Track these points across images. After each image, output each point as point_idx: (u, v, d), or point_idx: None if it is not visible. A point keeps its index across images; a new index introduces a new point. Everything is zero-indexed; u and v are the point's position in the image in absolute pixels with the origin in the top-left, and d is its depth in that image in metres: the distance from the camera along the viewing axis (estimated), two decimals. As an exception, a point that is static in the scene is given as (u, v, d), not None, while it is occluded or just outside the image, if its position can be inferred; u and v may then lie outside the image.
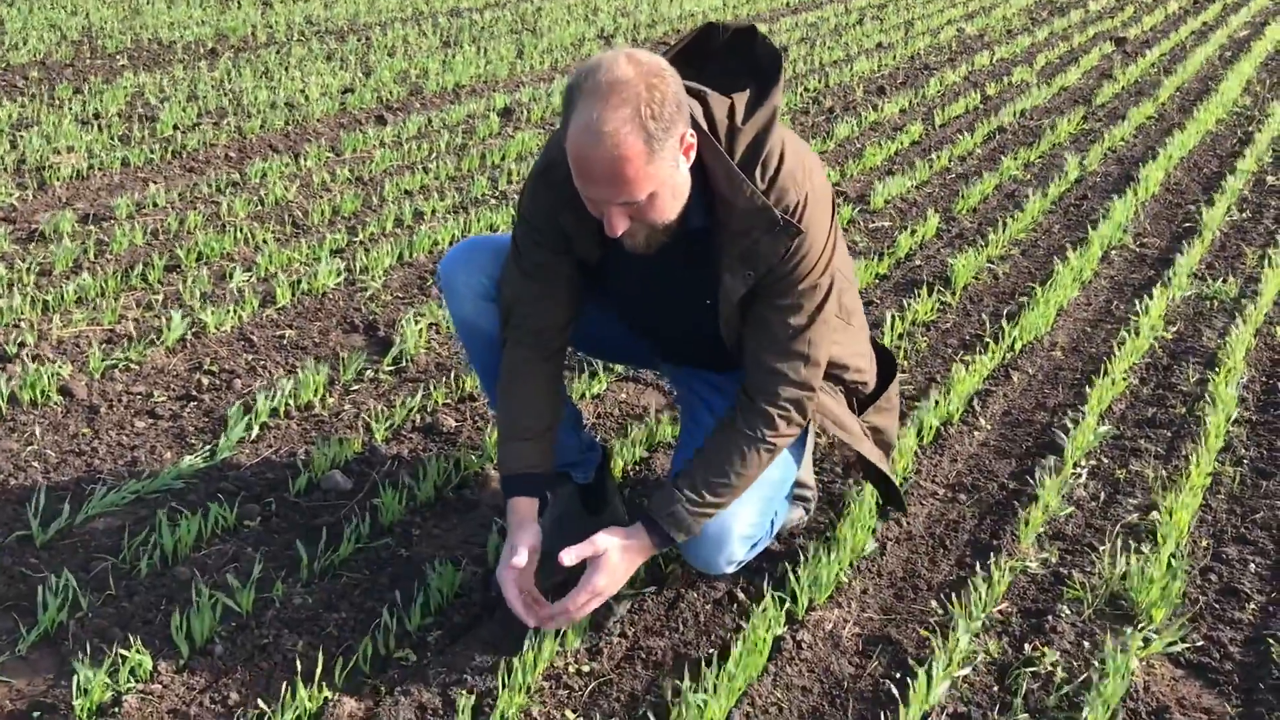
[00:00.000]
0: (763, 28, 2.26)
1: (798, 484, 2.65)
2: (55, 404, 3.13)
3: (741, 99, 2.10)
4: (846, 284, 2.40)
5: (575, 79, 1.93)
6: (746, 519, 2.30)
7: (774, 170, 2.09)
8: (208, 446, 2.95)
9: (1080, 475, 2.98)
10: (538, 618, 2.18)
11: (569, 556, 2.13)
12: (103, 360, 3.35)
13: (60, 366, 3.29)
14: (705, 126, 2.05)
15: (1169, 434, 3.21)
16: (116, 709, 2.06)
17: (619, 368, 3.48)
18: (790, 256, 2.13)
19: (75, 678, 2.08)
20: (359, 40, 8.36)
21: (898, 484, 2.60)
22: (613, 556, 2.16)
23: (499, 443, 2.35)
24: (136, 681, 2.13)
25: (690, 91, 2.03)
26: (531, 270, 2.28)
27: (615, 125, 1.86)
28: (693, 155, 2.03)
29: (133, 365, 3.38)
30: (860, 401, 2.53)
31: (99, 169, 5.18)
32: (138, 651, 2.16)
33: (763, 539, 2.41)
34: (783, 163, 2.10)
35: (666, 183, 1.97)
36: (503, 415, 2.35)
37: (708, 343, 2.35)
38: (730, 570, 2.38)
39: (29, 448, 2.91)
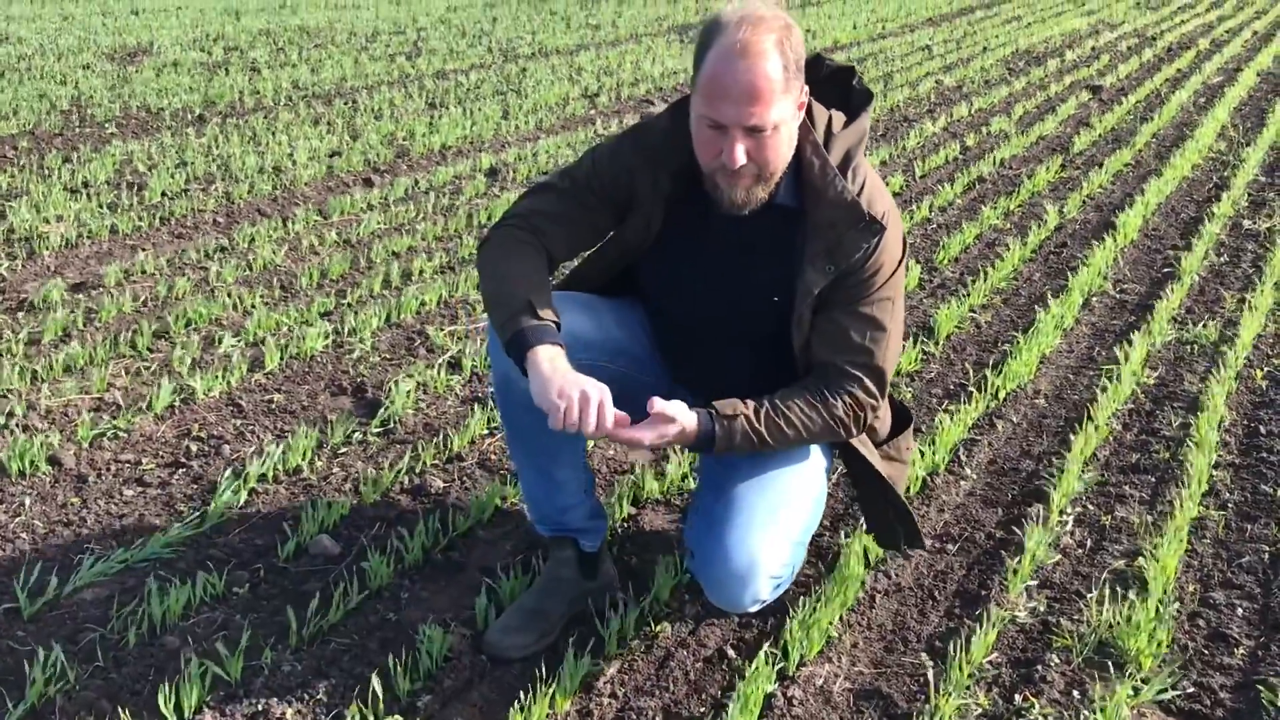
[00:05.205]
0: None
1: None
2: (44, 474, 3.14)
3: (839, 116, 2.26)
4: None
5: (711, 22, 2.06)
6: (777, 558, 2.25)
7: (862, 181, 2.21)
8: (196, 513, 2.95)
9: (1066, 523, 3.00)
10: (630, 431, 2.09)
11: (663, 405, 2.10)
12: (91, 429, 3.36)
13: (49, 436, 3.30)
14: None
15: (1153, 479, 3.23)
16: (104, 783, 2.05)
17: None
18: (871, 259, 2.21)
19: (63, 752, 2.07)
20: (345, 104, 8.45)
21: (915, 517, 2.54)
22: (673, 424, 2.12)
23: (497, 308, 2.17)
24: (125, 754, 2.12)
25: None
26: (570, 196, 2.32)
27: (764, 45, 2.00)
28: (801, 115, 2.15)
29: (121, 433, 3.39)
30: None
31: (88, 237, 5.21)
32: (126, 723, 2.15)
33: (785, 580, 2.35)
34: (869, 179, 2.23)
35: (788, 123, 2.09)
36: (506, 281, 2.20)
37: (750, 349, 2.39)
38: (754, 609, 2.34)
39: (17, 519, 2.91)
